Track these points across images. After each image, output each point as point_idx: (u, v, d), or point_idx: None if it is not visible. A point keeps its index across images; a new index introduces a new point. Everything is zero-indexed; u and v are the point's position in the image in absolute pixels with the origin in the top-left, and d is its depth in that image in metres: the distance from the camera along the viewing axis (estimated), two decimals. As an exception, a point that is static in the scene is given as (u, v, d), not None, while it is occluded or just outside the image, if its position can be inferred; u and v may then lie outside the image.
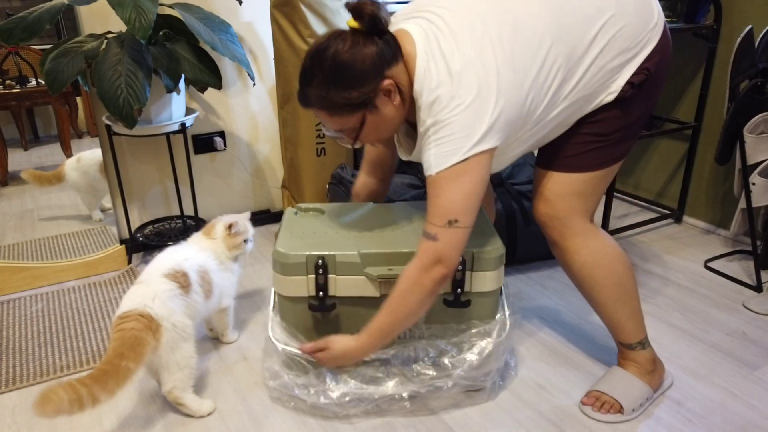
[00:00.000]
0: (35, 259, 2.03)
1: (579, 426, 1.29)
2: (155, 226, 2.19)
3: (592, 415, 1.30)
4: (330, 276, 1.26)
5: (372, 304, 1.28)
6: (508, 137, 1.11)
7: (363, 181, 1.52)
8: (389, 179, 1.54)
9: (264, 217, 2.44)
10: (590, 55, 1.10)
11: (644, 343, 1.32)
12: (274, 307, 1.37)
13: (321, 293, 1.27)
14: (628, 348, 1.33)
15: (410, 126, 1.28)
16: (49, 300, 1.85)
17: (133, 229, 2.14)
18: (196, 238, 1.53)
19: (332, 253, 1.25)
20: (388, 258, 1.25)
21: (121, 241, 2.13)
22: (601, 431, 1.27)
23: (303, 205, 1.47)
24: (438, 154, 1.06)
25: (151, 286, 1.30)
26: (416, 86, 1.08)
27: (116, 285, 1.94)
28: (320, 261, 1.24)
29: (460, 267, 1.25)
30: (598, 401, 1.31)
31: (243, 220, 1.54)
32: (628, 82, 1.13)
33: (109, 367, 1.14)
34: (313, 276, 1.25)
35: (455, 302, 1.29)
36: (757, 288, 1.85)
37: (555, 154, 1.23)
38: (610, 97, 1.14)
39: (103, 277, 2.00)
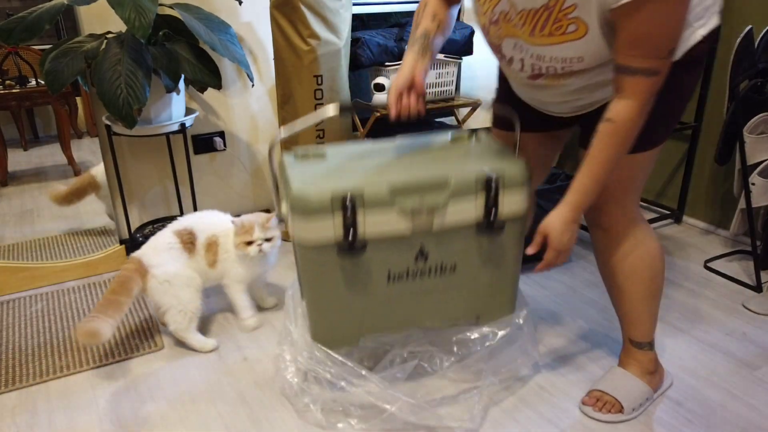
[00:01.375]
0: (35, 259, 2.03)
1: (579, 426, 1.29)
2: (155, 226, 2.19)
3: (592, 414, 1.30)
4: (359, 214, 1.16)
5: (401, 244, 1.20)
6: None
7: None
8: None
9: (264, 217, 2.44)
10: None
11: (652, 344, 1.33)
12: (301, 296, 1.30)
13: (351, 233, 1.15)
14: (636, 346, 1.33)
15: None
16: (49, 300, 1.85)
17: (132, 229, 2.14)
18: (234, 220, 1.57)
19: (360, 188, 1.13)
20: (420, 188, 1.17)
21: (121, 241, 2.13)
22: (601, 431, 1.27)
23: (301, 149, 1.33)
24: None
25: (157, 238, 1.50)
26: None
27: (116, 285, 1.94)
28: (347, 198, 1.13)
29: (493, 189, 1.19)
30: (599, 401, 1.31)
31: (263, 223, 1.55)
32: (704, 40, 1.04)
33: (108, 300, 1.42)
34: (340, 216, 1.14)
35: (489, 227, 1.22)
36: (757, 288, 1.85)
37: None
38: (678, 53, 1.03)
39: (103, 277, 2.00)
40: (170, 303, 1.48)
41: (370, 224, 1.17)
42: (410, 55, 1.24)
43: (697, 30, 1.04)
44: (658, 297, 1.29)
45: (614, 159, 1.05)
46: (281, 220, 1.39)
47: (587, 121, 1.17)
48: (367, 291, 1.25)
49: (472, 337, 1.34)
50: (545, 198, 1.94)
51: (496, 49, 1.15)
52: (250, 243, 1.53)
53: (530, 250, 1.14)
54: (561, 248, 1.12)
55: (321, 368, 1.26)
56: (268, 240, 1.55)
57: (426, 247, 1.22)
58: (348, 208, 1.13)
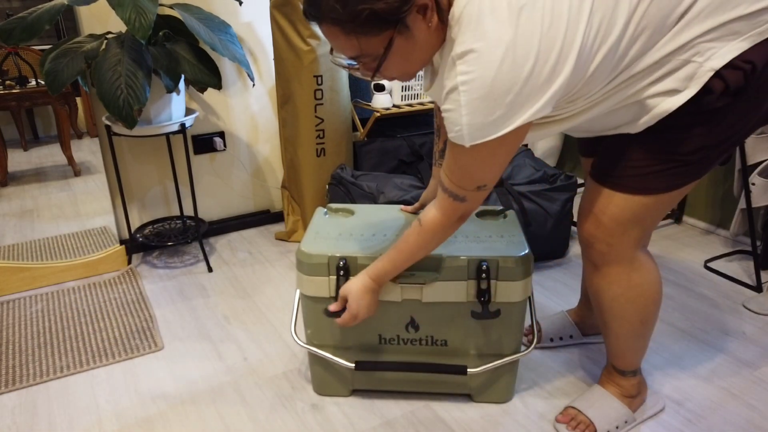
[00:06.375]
0: (35, 259, 2.03)
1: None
2: (155, 226, 2.19)
3: None
4: (351, 278, 1.23)
5: (394, 307, 1.26)
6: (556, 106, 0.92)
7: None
8: None
9: (264, 218, 2.44)
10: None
11: (636, 372, 1.27)
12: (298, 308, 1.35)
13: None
14: (619, 373, 1.27)
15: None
16: (49, 300, 1.85)
17: (132, 230, 2.14)
18: None
19: (354, 254, 1.23)
20: None
21: (121, 242, 2.13)
22: None
23: (333, 206, 1.46)
24: (474, 125, 0.86)
25: None
26: (456, 8, 0.84)
27: (116, 285, 1.94)
28: (342, 262, 1.23)
29: (484, 276, 1.21)
30: (574, 420, 1.27)
31: None
32: (721, 77, 0.88)
33: None
34: (335, 277, 1.24)
35: (483, 313, 1.22)
36: (757, 288, 1.85)
37: (616, 168, 1.05)
38: (687, 93, 0.90)
39: (103, 277, 2.00)
40: None
41: None
42: (439, 171, 1.33)
43: (666, 99, 0.93)
44: (646, 336, 1.21)
45: (414, 253, 1.11)
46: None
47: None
48: (358, 348, 1.32)
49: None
50: (546, 198, 1.94)
51: None
52: None
53: (332, 308, 1.20)
54: (357, 312, 1.17)
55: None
56: None
57: (417, 318, 1.28)
58: (341, 271, 1.22)
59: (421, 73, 2.24)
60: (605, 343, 1.27)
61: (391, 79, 0.98)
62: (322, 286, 1.25)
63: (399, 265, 1.14)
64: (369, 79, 0.97)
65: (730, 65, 0.88)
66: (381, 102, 2.20)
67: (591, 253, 1.14)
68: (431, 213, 1.06)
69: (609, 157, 1.07)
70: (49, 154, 2.15)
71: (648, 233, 1.12)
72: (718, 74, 0.88)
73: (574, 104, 0.97)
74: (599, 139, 1.16)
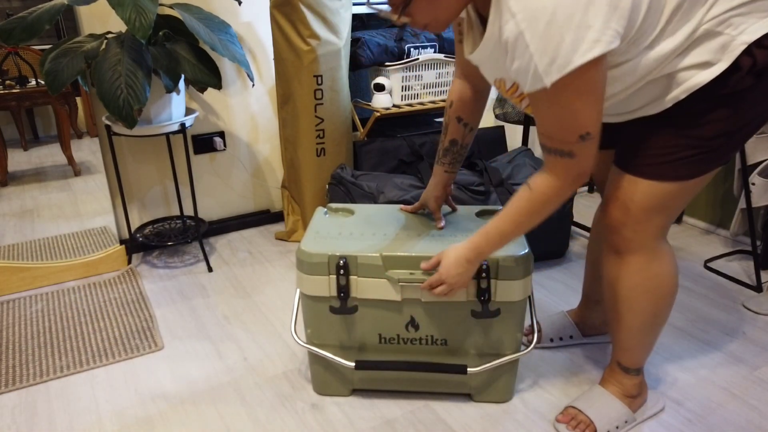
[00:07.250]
0: (35, 259, 2.03)
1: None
2: (155, 226, 2.19)
3: None
4: (352, 277, 1.25)
5: (394, 307, 1.27)
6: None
7: (457, 87, 1.27)
8: (486, 91, 1.28)
9: (264, 218, 2.44)
10: None
11: (639, 371, 1.27)
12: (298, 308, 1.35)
13: (342, 294, 1.26)
14: (623, 370, 1.27)
15: (479, 15, 1.04)
16: (49, 300, 1.85)
17: (132, 229, 2.14)
18: None
19: (354, 254, 1.23)
20: (411, 262, 1.22)
21: (121, 241, 2.13)
22: None
23: (333, 205, 1.46)
24: (546, 57, 0.83)
25: None
26: None
27: (116, 285, 1.94)
28: (342, 261, 1.23)
29: (483, 275, 1.21)
30: (574, 420, 1.26)
31: None
32: (750, 54, 0.90)
33: None
34: (335, 276, 1.25)
35: (483, 312, 1.24)
36: (757, 288, 1.85)
37: (641, 155, 1.06)
38: (720, 66, 0.92)
39: (103, 277, 2.00)
40: None
41: (362, 288, 1.25)
42: (441, 170, 1.33)
43: (699, 73, 0.95)
44: (657, 331, 1.21)
45: (524, 223, 1.04)
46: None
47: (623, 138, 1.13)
48: (358, 348, 1.32)
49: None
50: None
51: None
52: None
53: (424, 266, 1.17)
54: (446, 278, 1.13)
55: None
56: None
57: (417, 317, 1.28)
58: (341, 270, 1.23)
59: (421, 73, 2.24)
60: (612, 338, 1.26)
61: (423, 27, 0.97)
62: (323, 285, 1.25)
63: (506, 233, 1.06)
64: (395, 20, 0.95)
65: (758, 43, 0.90)
66: (381, 102, 2.20)
67: (616, 240, 1.14)
68: (543, 179, 1.00)
69: (632, 144, 1.07)
70: (49, 154, 2.15)
71: (670, 222, 1.12)
72: (748, 50, 0.90)
73: (625, 55, 0.95)
74: (618, 129, 1.16)
